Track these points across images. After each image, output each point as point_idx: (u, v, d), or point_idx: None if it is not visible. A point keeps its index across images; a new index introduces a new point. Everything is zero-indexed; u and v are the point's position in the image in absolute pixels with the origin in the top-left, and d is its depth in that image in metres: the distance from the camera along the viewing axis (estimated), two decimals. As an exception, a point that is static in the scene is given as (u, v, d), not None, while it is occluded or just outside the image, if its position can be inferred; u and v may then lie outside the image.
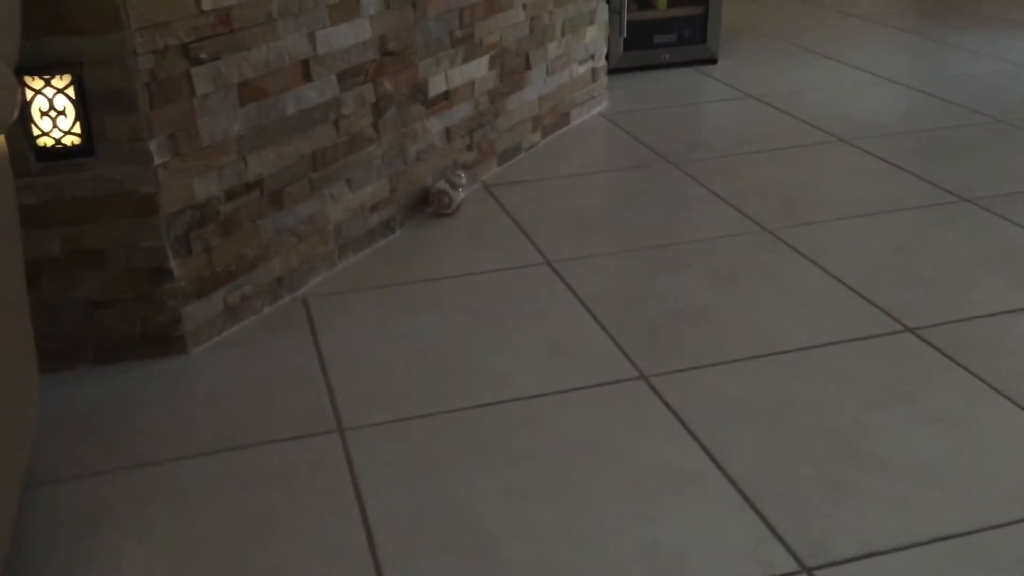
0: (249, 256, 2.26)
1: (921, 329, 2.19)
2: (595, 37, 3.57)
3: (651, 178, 3.07)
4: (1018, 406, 1.91)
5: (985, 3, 5.14)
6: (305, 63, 2.30)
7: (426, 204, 2.77)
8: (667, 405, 1.95)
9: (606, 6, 3.60)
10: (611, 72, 3.94)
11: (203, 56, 2.04)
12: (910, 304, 2.29)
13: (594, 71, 3.61)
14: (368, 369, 2.09)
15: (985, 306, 2.28)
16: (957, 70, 4.05)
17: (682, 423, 1.89)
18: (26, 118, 1.92)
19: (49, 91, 1.91)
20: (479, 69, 2.95)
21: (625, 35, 4.01)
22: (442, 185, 2.74)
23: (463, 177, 2.80)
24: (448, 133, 2.87)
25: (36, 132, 1.94)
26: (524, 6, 3.10)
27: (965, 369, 2.04)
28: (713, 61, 4.21)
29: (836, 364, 2.07)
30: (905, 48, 4.44)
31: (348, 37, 2.41)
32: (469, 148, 2.97)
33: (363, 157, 2.54)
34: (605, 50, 3.67)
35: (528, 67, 3.20)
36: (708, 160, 3.19)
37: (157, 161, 2.00)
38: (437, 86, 2.78)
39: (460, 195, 2.78)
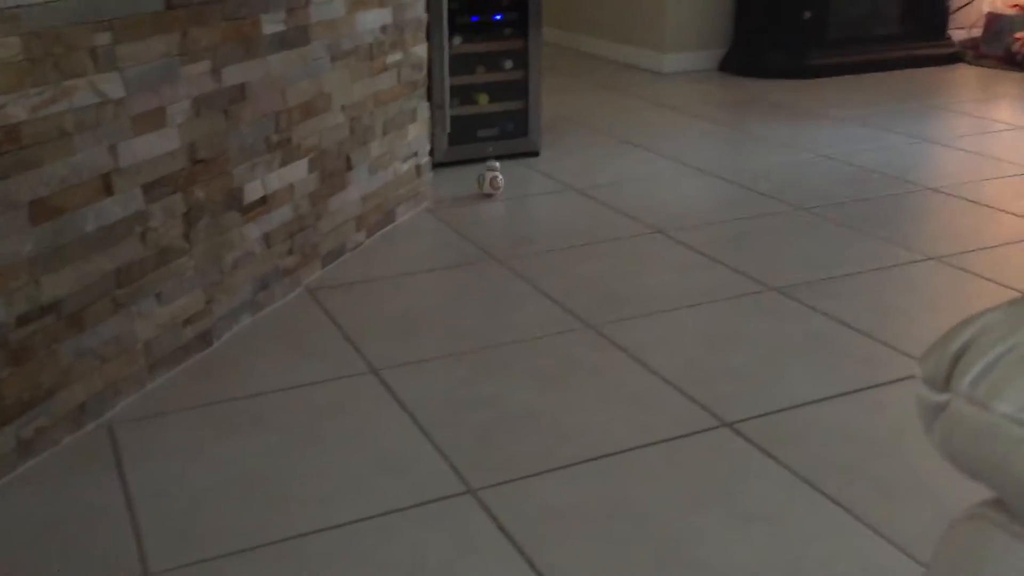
0: (45, 384, 2.10)
1: (737, 423, 2.26)
2: (418, 134, 3.59)
3: (476, 276, 3.08)
4: (830, 499, 1.99)
5: (785, 94, 5.52)
6: (106, 176, 2.19)
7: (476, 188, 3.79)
8: (495, 521, 1.91)
9: (427, 104, 3.64)
10: (437, 166, 3.97)
11: (-13, 176, 1.91)
12: (726, 398, 2.36)
13: (418, 167, 3.63)
14: (179, 502, 1.96)
15: (795, 396, 2.38)
16: (762, 160, 4.30)
17: (510, 540, 1.86)
18: None
19: None
20: (298, 172, 2.90)
21: (449, 130, 4.06)
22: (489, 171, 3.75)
23: (496, 167, 3.78)
24: (267, 239, 2.79)
25: None
26: (343, 108, 3.09)
27: (779, 463, 2.11)
28: (535, 153, 4.32)
29: (659, 464, 2.10)
30: (715, 139, 4.69)
31: (154, 147, 2.32)
32: (290, 252, 2.90)
33: (174, 270, 2.43)
34: (428, 146, 3.69)
35: (349, 167, 3.17)
36: (532, 255, 3.23)
37: (-66, 291, 1.84)
38: (254, 192, 2.71)
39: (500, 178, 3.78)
